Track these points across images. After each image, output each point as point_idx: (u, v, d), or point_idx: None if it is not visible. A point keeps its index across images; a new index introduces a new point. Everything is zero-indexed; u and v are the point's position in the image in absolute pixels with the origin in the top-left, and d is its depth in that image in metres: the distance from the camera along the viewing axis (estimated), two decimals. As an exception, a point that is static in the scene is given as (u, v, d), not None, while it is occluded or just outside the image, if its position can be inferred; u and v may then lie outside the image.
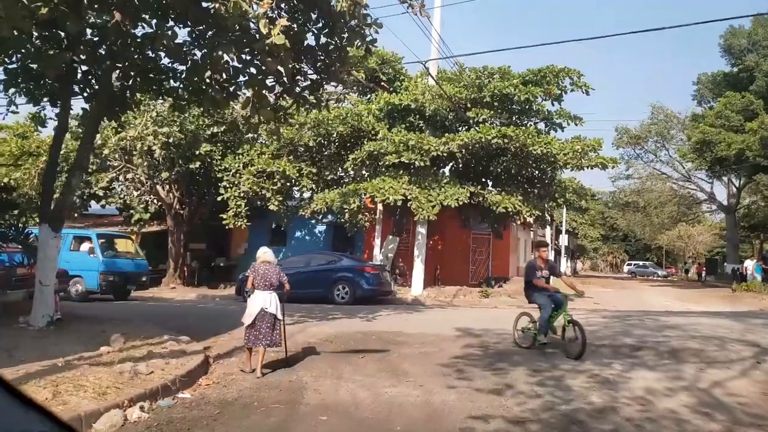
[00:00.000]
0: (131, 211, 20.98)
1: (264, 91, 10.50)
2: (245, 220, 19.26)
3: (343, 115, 17.97)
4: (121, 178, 21.86)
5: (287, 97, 10.90)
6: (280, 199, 18.87)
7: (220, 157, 19.88)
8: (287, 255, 19.67)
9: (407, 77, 19.61)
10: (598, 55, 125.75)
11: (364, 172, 18.78)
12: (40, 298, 9.02)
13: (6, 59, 9.04)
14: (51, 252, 9.14)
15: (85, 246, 16.51)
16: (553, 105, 19.45)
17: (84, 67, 9.82)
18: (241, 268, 15.99)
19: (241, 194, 18.98)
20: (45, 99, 9.80)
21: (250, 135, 20.68)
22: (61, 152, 13.64)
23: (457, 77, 18.81)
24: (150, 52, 10.51)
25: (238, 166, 19.17)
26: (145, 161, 18.74)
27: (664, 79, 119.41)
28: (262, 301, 7.05)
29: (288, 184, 19.33)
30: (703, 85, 43.61)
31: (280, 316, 7.30)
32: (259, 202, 19.25)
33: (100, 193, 20.63)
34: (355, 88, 20.80)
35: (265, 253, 7.38)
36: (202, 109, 12.61)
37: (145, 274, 17.42)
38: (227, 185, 19.25)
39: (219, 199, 19.68)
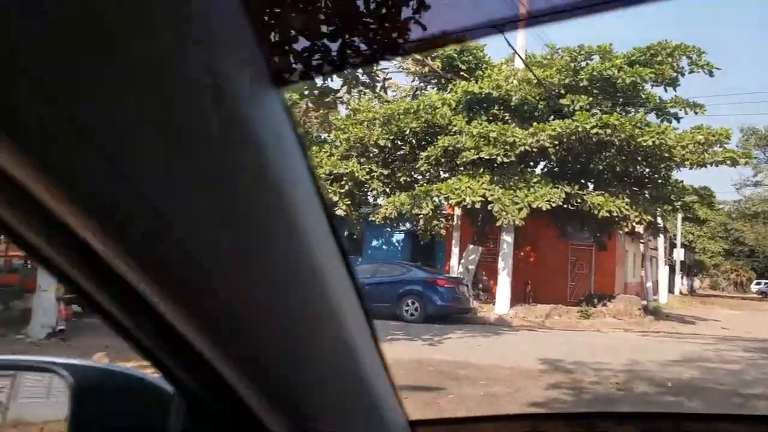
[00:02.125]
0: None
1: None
2: (313, 228, 17.72)
3: (414, 108, 15.99)
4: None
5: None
6: (348, 203, 17.19)
7: (287, 160, 18.60)
8: (362, 266, 17.91)
9: (489, 65, 17.31)
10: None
11: (441, 172, 16.66)
12: (38, 305, 7.82)
13: None
14: (48, 253, 7.91)
15: None
16: (666, 91, 16.37)
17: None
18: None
19: (309, 199, 17.49)
20: None
21: (322, 134, 19.28)
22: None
23: (548, 62, 16.27)
24: None
25: (305, 169, 17.74)
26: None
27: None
28: None
29: (359, 188, 17.65)
30: None
31: None
32: (326, 208, 17.65)
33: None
34: (433, 81, 18.84)
35: None
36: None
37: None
38: (294, 190, 17.87)
39: (286, 205, 18.36)
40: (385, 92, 10.20)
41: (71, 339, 8.05)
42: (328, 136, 18.73)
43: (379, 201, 19.26)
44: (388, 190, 17.83)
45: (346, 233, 20.04)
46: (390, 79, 9.69)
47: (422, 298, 13.65)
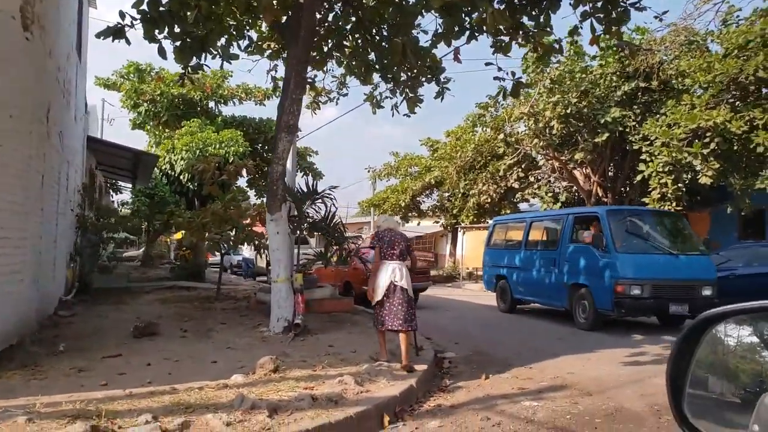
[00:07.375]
0: (539, 202, 18.30)
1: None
2: (674, 204, 13.57)
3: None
4: (544, 167, 19.51)
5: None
6: (716, 167, 12.44)
7: (635, 123, 14.89)
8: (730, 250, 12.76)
9: None
10: None
11: None
12: (273, 297, 7.70)
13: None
14: (275, 241, 7.67)
15: (587, 235, 10.15)
16: None
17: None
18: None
19: (665, 168, 13.49)
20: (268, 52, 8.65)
21: (682, 86, 14.84)
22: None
23: None
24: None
25: (657, 131, 13.74)
26: (542, 141, 15.78)
27: None
28: (392, 272, 5.91)
29: (739, 144, 12.73)
30: None
31: (411, 293, 6.04)
32: (685, 176, 13.28)
33: (516, 185, 18.77)
34: None
35: (386, 221, 6.35)
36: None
37: (708, 284, 9.45)
38: (646, 158, 14.11)
39: (639, 177, 14.76)
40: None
41: (307, 335, 7.62)
42: (683, 83, 14.17)
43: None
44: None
45: (728, 210, 14.82)
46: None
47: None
